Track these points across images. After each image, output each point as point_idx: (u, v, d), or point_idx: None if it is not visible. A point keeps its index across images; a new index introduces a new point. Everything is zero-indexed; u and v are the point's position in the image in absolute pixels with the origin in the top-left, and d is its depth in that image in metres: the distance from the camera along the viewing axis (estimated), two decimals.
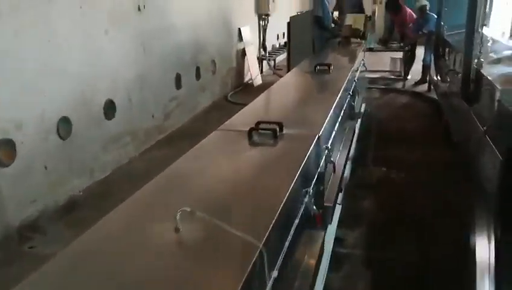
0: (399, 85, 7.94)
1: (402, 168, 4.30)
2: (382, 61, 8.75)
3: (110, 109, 4.18)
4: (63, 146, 3.63)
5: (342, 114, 3.16)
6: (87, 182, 3.96)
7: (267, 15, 8.84)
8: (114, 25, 4.16)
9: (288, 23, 6.84)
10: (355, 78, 4.28)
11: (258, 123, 2.19)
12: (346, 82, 3.49)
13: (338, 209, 3.11)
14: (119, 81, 4.33)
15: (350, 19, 6.75)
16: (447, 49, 6.00)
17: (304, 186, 1.90)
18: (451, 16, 7.75)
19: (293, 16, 7.08)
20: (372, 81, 7.93)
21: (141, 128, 4.76)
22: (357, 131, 4.33)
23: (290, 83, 3.40)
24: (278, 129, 2.15)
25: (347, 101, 3.57)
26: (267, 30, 9.05)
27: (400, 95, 7.39)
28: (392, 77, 8.37)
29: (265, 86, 7.29)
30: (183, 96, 5.69)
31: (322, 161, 2.31)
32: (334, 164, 2.51)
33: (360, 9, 8.09)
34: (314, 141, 2.08)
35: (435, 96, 6.59)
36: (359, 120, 4.74)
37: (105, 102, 4.12)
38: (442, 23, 6.69)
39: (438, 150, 4.77)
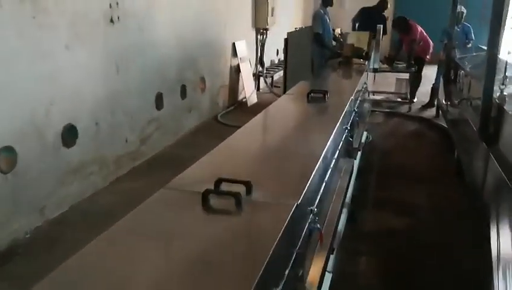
0: (405, 108, 7.36)
1: (407, 215, 3.69)
2: (387, 81, 8.18)
3: (70, 135, 3.61)
4: (4, 181, 3.05)
5: (336, 156, 2.58)
6: (37, 221, 3.37)
7: (266, 29, 8.31)
8: (77, 39, 3.61)
9: (286, 40, 6.29)
10: (355, 107, 3.71)
11: (219, 181, 1.62)
12: (343, 115, 2.91)
13: (328, 277, 2.52)
14: (84, 104, 3.77)
15: (353, 37, 6.19)
16: (459, 73, 5.42)
17: (271, 284, 1.32)
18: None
19: (291, 32, 6.54)
20: (376, 103, 7.36)
21: (111, 155, 4.19)
22: (355, 170, 3.74)
23: (274, 117, 2.82)
24: (244, 192, 1.58)
25: (344, 137, 2.99)
26: (266, 45, 8.51)
27: (405, 121, 6.79)
28: (398, 99, 7.79)
29: (260, 104, 6.77)
30: (164, 117, 5.12)
31: (304, 231, 1.74)
32: (321, 231, 1.91)
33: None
34: (291, 213, 1.50)
35: (444, 124, 6.00)
36: (359, 153, 4.16)
37: (64, 127, 3.55)
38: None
39: (450, 192, 4.14)
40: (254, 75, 8.26)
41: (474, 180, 3.48)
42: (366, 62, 5.48)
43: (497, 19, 3.05)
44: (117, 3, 4.06)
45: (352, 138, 3.37)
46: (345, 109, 3.04)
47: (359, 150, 4.08)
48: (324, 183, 2.14)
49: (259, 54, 8.43)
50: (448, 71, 5.98)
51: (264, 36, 8.41)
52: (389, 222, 3.60)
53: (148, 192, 1.54)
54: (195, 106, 5.96)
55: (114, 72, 4.13)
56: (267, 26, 8.24)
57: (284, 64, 6.50)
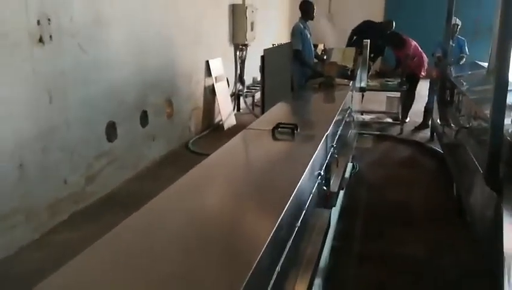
0: (396, 130, 6.71)
1: (403, 276, 2.99)
2: (377, 99, 7.55)
3: None
4: None
5: (301, 219, 1.89)
6: None
7: (245, 45, 7.69)
8: None
9: (262, 57, 5.63)
10: (334, 142, 3.03)
11: None
12: (313, 159, 2.24)
13: None
14: (1, 143, 3.08)
15: (337, 54, 5.56)
16: (456, 94, 4.78)
17: None
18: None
19: (268, 49, 5.88)
20: (365, 124, 6.71)
21: (43, 201, 3.48)
22: (334, 221, 3.06)
23: (221, 168, 2.10)
24: None
25: (316, 185, 2.32)
26: (247, 62, 7.87)
27: (397, 145, 6.13)
28: (389, 120, 7.13)
29: (239, 127, 6.05)
30: (118, 149, 4.43)
31: None
32: None
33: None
34: None
35: (440, 149, 5.36)
36: (342, 193, 3.48)
37: None
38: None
39: (453, 241, 3.45)
40: (233, 94, 7.62)
41: (482, 236, 2.79)
42: (351, 82, 4.83)
43: (507, 36, 2.40)
44: (48, 20, 3.40)
45: (327, 185, 2.70)
46: (317, 150, 2.36)
47: (342, 189, 3.41)
48: (279, 267, 1.47)
49: (238, 72, 7.80)
50: (443, 91, 5.35)
51: (244, 52, 7.79)
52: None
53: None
54: (160, 133, 5.28)
55: (46, 102, 3.44)
56: (247, 42, 7.62)
57: (262, 84, 5.83)
